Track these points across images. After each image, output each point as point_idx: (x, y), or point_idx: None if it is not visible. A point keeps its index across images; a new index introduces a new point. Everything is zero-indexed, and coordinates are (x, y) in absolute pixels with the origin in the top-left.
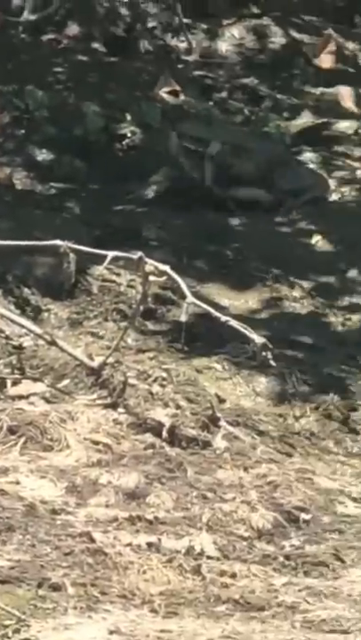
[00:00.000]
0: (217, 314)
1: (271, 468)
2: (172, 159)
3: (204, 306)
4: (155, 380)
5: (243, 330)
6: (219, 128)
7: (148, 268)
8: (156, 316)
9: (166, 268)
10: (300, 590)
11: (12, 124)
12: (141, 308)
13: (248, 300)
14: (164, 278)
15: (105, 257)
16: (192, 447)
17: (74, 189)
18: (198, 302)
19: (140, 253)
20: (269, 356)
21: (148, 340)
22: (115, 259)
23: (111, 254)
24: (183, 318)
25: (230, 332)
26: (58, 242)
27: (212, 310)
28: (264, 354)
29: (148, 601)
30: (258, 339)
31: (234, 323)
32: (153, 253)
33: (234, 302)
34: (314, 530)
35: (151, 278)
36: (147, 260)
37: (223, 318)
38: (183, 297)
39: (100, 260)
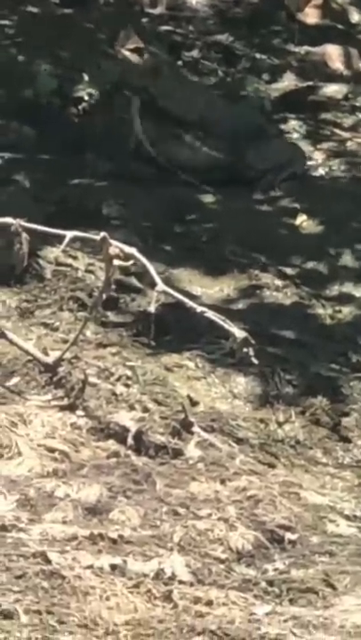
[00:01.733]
0: (192, 304)
1: (252, 480)
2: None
3: (177, 295)
4: (118, 379)
5: (221, 322)
6: (191, 88)
7: (113, 250)
8: (119, 305)
9: (133, 250)
10: (285, 620)
11: None
12: (104, 296)
13: (223, 289)
14: (130, 263)
15: (62, 238)
16: (161, 456)
17: (22, 160)
18: (170, 290)
19: (103, 234)
20: (251, 352)
21: (109, 334)
22: (71, 240)
23: (70, 234)
24: (152, 308)
25: (204, 325)
26: (9, 220)
27: (186, 300)
28: (245, 350)
29: (111, 631)
30: (238, 333)
31: (211, 314)
32: (114, 234)
33: (207, 290)
34: (301, 552)
35: (114, 262)
36: (111, 241)
37: (199, 309)
38: (151, 284)
39: (53, 240)
